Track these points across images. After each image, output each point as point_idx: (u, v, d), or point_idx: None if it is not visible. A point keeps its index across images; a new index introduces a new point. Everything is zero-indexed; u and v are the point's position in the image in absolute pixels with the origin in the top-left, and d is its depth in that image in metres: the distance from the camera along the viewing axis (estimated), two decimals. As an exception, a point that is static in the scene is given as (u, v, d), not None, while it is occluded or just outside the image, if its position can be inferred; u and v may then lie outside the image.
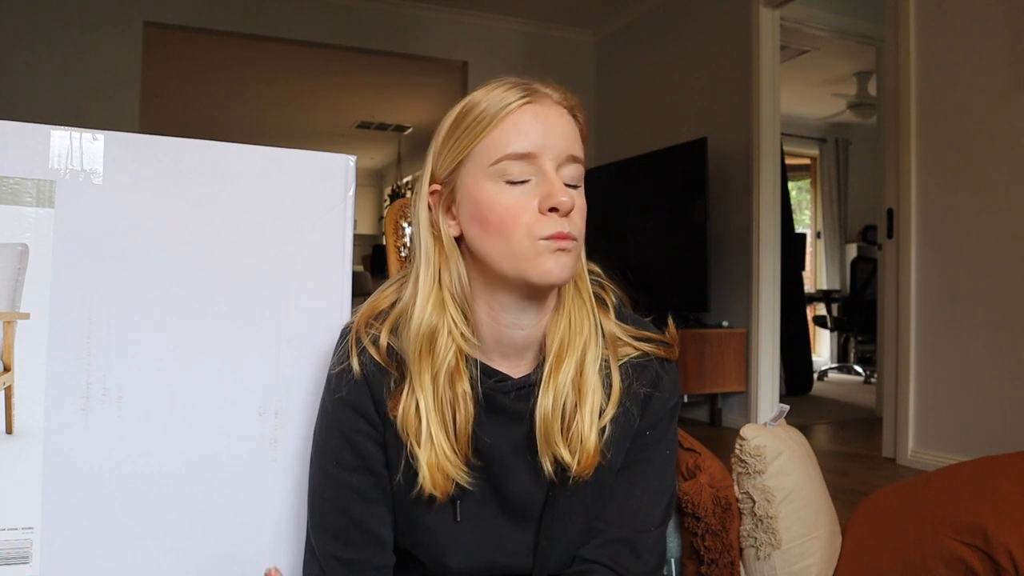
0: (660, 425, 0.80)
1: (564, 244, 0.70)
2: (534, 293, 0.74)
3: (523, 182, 0.72)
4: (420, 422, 0.72)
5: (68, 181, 0.79)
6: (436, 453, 0.72)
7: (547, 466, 0.75)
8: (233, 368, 0.84)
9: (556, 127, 0.73)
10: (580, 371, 0.76)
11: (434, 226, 0.76)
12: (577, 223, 0.73)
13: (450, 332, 0.74)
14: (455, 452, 0.73)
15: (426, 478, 0.72)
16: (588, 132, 0.79)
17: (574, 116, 0.76)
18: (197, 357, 0.83)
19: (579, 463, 0.74)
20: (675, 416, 0.82)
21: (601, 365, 0.77)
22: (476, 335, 0.77)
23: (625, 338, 0.79)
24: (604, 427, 0.76)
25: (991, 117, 2.69)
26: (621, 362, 0.78)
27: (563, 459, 0.74)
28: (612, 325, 0.79)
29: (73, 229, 0.79)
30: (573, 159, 0.74)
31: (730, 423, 3.96)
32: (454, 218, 0.76)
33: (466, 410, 0.74)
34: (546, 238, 0.70)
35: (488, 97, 0.73)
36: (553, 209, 0.70)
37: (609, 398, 0.77)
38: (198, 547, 0.83)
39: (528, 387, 0.76)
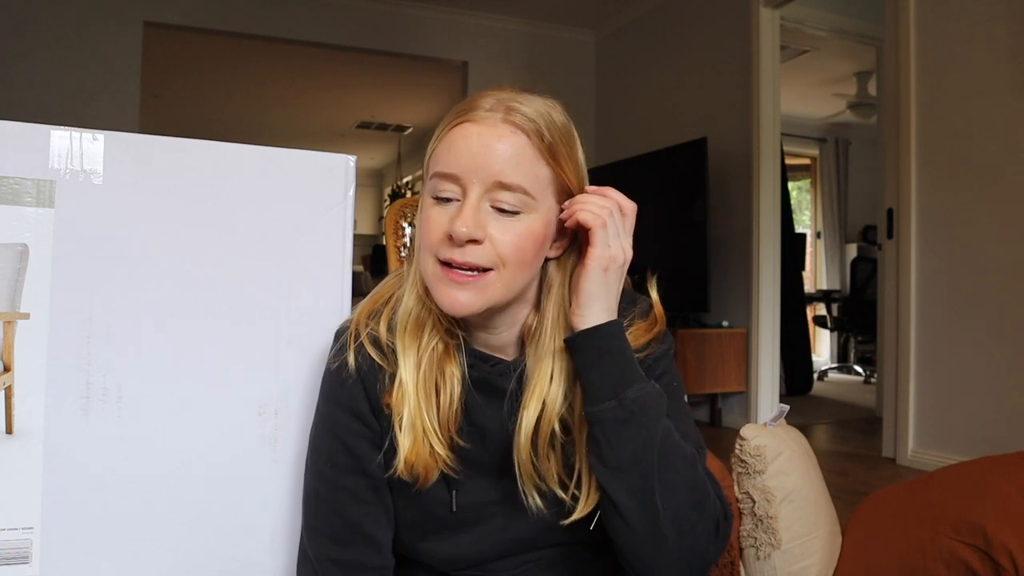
0: (657, 363, 0.79)
1: (456, 273, 0.70)
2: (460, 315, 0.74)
3: (450, 201, 0.71)
4: (403, 403, 0.73)
5: (68, 181, 0.79)
6: (416, 434, 0.72)
7: (533, 502, 0.74)
8: (233, 368, 0.84)
9: (488, 149, 0.69)
10: (572, 397, 0.74)
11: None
12: (492, 250, 0.70)
13: (435, 325, 0.75)
14: (437, 435, 0.73)
15: (401, 460, 0.72)
16: (559, 150, 0.72)
17: (530, 137, 0.70)
18: (197, 357, 0.83)
19: (578, 504, 0.73)
20: (668, 355, 0.81)
21: None
22: (465, 328, 0.78)
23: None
24: None
25: (991, 117, 2.69)
26: None
27: (562, 495, 0.74)
28: None
29: (73, 229, 0.79)
30: (504, 186, 0.69)
31: (730, 423, 3.96)
32: None
33: (453, 392, 0.74)
34: (441, 262, 0.71)
35: (456, 107, 0.73)
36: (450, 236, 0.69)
37: None
38: (198, 547, 0.83)
39: (522, 368, 0.76)
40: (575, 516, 0.73)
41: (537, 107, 0.71)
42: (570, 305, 0.74)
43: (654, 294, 0.81)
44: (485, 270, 0.70)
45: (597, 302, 0.72)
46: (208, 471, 0.83)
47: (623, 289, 0.81)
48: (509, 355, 0.78)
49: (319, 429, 0.79)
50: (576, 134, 0.76)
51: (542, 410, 0.73)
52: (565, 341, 0.72)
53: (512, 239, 0.70)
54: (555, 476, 0.74)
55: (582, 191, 0.76)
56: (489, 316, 0.75)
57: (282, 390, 0.86)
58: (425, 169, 0.75)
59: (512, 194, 0.70)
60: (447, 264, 0.70)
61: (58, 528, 0.78)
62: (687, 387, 3.87)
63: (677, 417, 0.76)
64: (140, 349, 0.81)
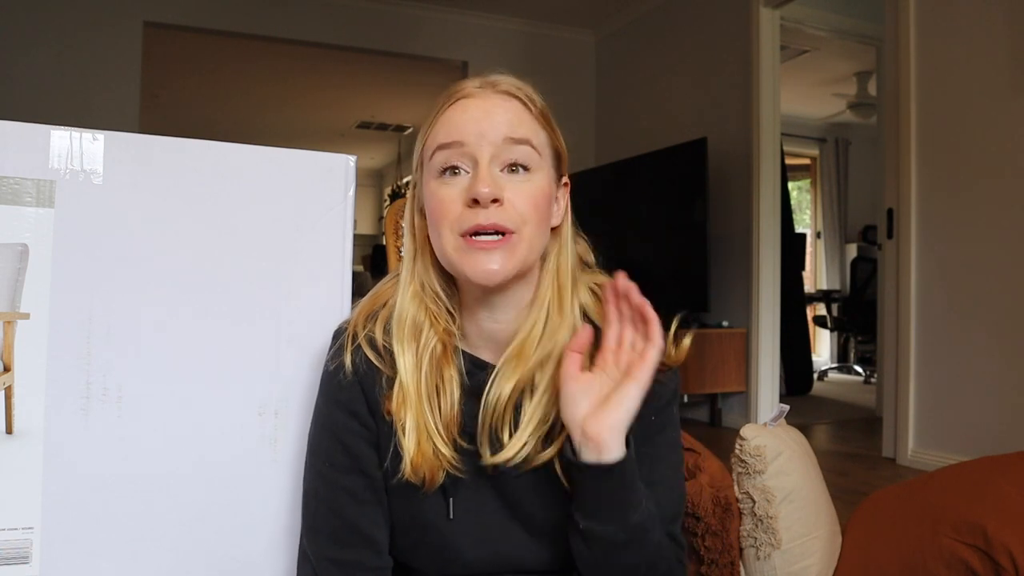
0: (665, 410, 0.79)
1: (482, 241, 0.70)
2: (488, 288, 0.73)
3: (458, 174, 0.72)
4: (405, 406, 0.73)
5: (68, 181, 0.79)
6: (420, 436, 0.72)
7: (485, 451, 0.74)
8: (233, 368, 0.84)
9: (491, 114, 0.72)
10: (547, 365, 0.74)
11: (414, 223, 0.79)
12: (514, 211, 0.71)
13: (432, 324, 0.76)
14: (441, 435, 0.73)
15: (408, 463, 0.72)
16: (550, 117, 0.76)
17: (524, 103, 0.74)
18: (197, 357, 0.83)
19: (507, 452, 0.72)
20: (676, 398, 0.81)
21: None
22: (463, 329, 0.78)
23: None
24: None
25: (991, 117, 2.69)
26: None
27: (498, 442, 0.73)
28: None
29: (73, 229, 0.79)
30: (515, 140, 0.72)
31: (730, 423, 3.96)
32: (423, 215, 0.77)
33: (452, 394, 0.74)
34: (464, 234, 0.70)
35: (440, 96, 0.75)
36: (475, 201, 0.69)
37: None
38: (198, 547, 0.83)
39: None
40: (501, 457, 0.72)
41: (517, 81, 0.76)
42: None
43: (686, 341, 0.78)
44: (508, 233, 0.70)
45: (628, 421, 0.67)
46: (208, 471, 0.83)
47: None
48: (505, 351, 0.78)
49: (317, 429, 0.79)
50: None
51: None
52: (574, 465, 0.68)
53: (527, 198, 0.72)
54: (508, 426, 0.74)
55: (567, 162, 0.79)
56: (502, 291, 0.74)
57: (282, 390, 0.86)
58: (420, 156, 0.76)
59: (522, 148, 0.72)
60: (468, 236, 0.70)
61: (58, 528, 0.78)
62: (687, 387, 3.88)
63: (671, 470, 0.78)
64: (140, 349, 0.81)
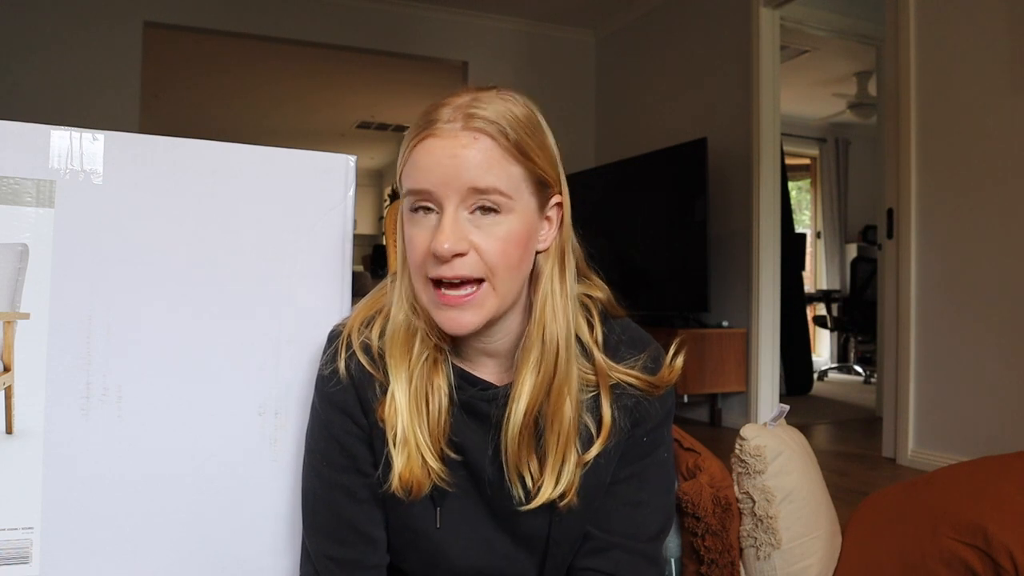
0: (657, 430, 0.79)
1: (451, 297, 0.69)
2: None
3: (428, 213, 0.70)
4: (396, 417, 0.73)
5: (68, 181, 0.79)
6: (410, 449, 0.72)
7: (516, 491, 0.74)
8: (233, 368, 0.84)
9: (456, 159, 0.67)
10: (550, 388, 0.73)
11: (403, 240, 0.77)
12: (481, 260, 0.69)
13: (424, 340, 0.75)
14: (429, 447, 0.73)
15: (396, 475, 0.72)
16: (526, 146, 0.70)
17: (494, 138, 0.68)
18: (197, 357, 0.83)
19: (545, 492, 0.73)
20: (671, 418, 0.81)
21: (584, 390, 0.76)
22: (454, 344, 0.77)
23: (613, 375, 0.76)
24: (588, 461, 0.75)
25: (991, 117, 2.69)
26: (612, 383, 0.76)
27: (529, 484, 0.74)
28: (599, 355, 0.76)
29: (73, 229, 0.79)
30: (479, 191, 0.68)
31: (730, 423, 3.96)
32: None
33: (440, 405, 0.74)
34: (432, 282, 0.70)
35: (416, 121, 0.71)
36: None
37: (599, 432, 0.75)
38: (198, 547, 0.83)
39: (509, 396, 0.75)
40: (536, 502, 0.73)
41: (496, 107, 0.69)
42: None
43: (678, 363, 0.78)
44: (478, 281, 0.69)
45: None
46: (208, 471, 0.83)
47: (628, 326, 0.81)
48: (502, 367, 0.78)
49: (314, 429, 0.80)
50: (542, 121, 0.73)
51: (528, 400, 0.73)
52: None
53: (497, 245, 0.69)
54: (528, 465, 0.74)
55: (559, 179, 0.75)
56: (487, 327, 0.74)
57: (282, 390, 0.86)
58: (399, 185, 0.74)
59: (488, 197, 0.68)
60: (438, 283, 0.70)
61: (58, 528, 0.78)
62: (687, 387, 3.87)
63: (657, 492, 0.79)
64: (140, 349, 0.81)
